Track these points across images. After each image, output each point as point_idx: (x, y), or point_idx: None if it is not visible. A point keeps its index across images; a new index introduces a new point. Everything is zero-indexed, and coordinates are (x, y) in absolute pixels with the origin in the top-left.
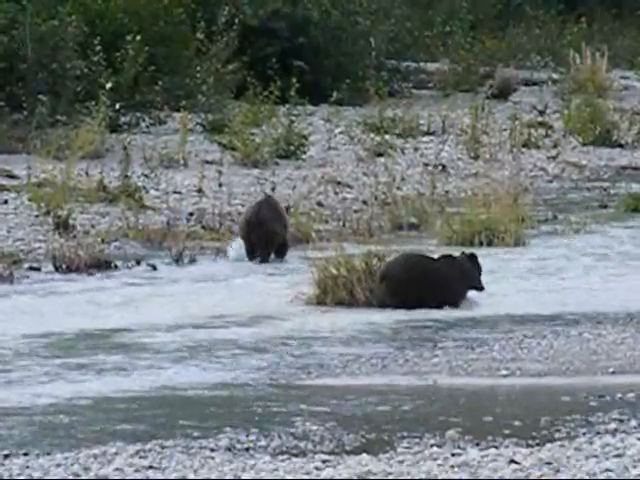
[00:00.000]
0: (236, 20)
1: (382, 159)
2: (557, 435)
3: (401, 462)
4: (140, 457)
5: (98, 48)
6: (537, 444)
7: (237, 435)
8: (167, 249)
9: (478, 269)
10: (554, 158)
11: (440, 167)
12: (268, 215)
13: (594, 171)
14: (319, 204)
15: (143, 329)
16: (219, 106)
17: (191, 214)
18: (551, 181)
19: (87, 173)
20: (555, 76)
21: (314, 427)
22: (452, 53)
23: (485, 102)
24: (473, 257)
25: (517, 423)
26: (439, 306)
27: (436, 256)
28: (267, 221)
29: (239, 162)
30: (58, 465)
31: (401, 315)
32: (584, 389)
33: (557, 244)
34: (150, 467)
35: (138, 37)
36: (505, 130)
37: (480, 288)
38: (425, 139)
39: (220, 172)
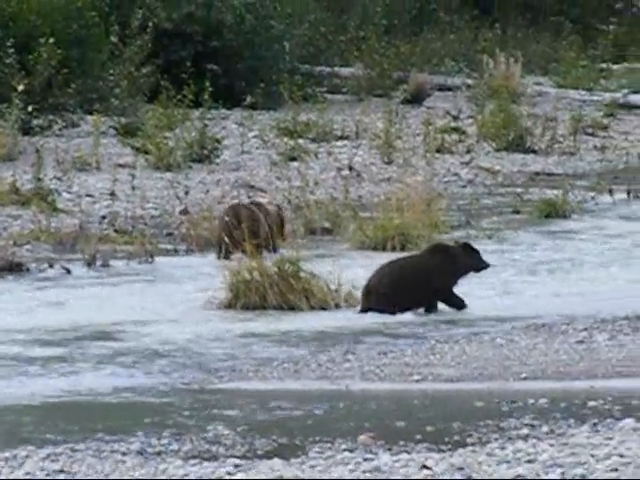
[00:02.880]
0: (150, 23)
1: (296, 163)
2: (469, 440)
3: (313, 467)
4: (51, 461)
5: (11, 50)
6: (449, 449)
7: (149, 439)
8: (80, 252)
9: (476, 253)
10: (467, 163)
11: (354, 172)
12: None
13: (507, 177)
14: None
15: (55, 332)
16: (132, 109)
17: (104, 217)
18: (464, 186)
19: None
20: (469, 81)
21: (226, 431)
22: (366, 58)
23: (399, 107)
24: (466, 245)
25: (429, 428)
26: (431, 302)
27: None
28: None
29: (152, 166)
30: None
31: (313, 320)
32: (496, 394)
33: None
34: (61, 471)
35: (51, 39)
36: (419, 135)
37: (485, 266)
38: (339, 144)
39: (133, 175)
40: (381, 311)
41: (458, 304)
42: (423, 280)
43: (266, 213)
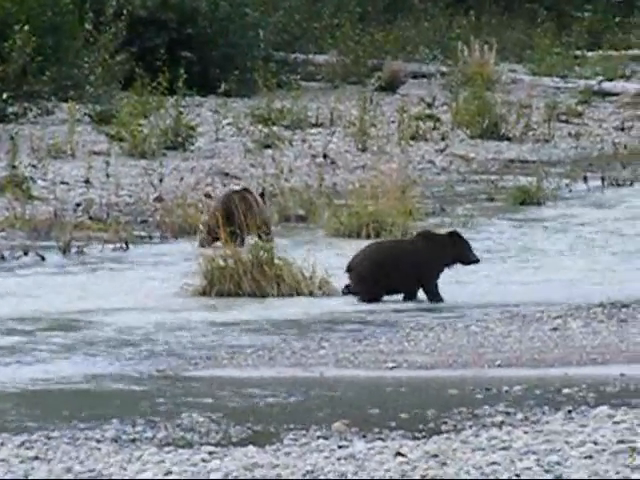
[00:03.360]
0: (124, 11)
1: (270, 151)
2: (444, 428)
3: (287, 454)
4: (26, 448)
5: None
6: (423, 437)
7: (123, 426)
8: (54, 239)
9: (465, 244)
10: (442, 151)
11: (328, 159)
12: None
13: (482, 164)
14: (207, 195)
15: (29, 319)
16: (107, 97)
17: (78, 205)
18: (439, 174)
19: None
20: (443, 69)
21: (200, 419)
22: (340, 45)
23: (373, 94)
24: (454, 234)
25: (404, 415)
26: (411, 289)
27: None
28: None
29: (127, 153)
30: None
31: (288, 307)
32: (471, 382)
33: None
34: (36, 458)
35: (26, 27)
36: (393, 122)
37: (474, 260)
38: (313, 131)
39: (108, 163)
40: (356, 293)
41: (436, 295)
42: (407, 265)
43: (256, 201)
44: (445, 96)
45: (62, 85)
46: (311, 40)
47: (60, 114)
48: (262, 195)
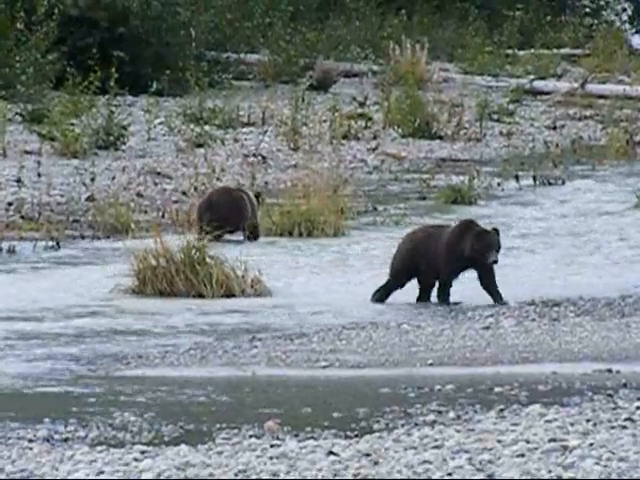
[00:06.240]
0: (56, 10)
1: (202, 150)
2: (376, 426)
3: (220, 453)
4: None
5: None
6: (356, 435)
7: (55, 426)
8: None
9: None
10: (374, 150)
11: (260, 158)
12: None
13: (414, 163)
14: (138, 195)
15: None
16: (38, 96)
17: (10, 204)
18: (371, 173)
19: None
20: (375, 68)
21: (132, 418)
22: (272, 44)
23: (305, 93)
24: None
25: (336, 414)
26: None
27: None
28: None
29: (58, 152)
30: None
31: (220, 306)
32: (403, 381)
33: (376, 236)
34: None
35: None
36: (325, 122)
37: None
38: (245, 130)
39: (39, 162)
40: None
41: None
42: (432, 254)
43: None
44: (377, 95)
45: None
46: (243, 39)
47: None
48: (257, 196)
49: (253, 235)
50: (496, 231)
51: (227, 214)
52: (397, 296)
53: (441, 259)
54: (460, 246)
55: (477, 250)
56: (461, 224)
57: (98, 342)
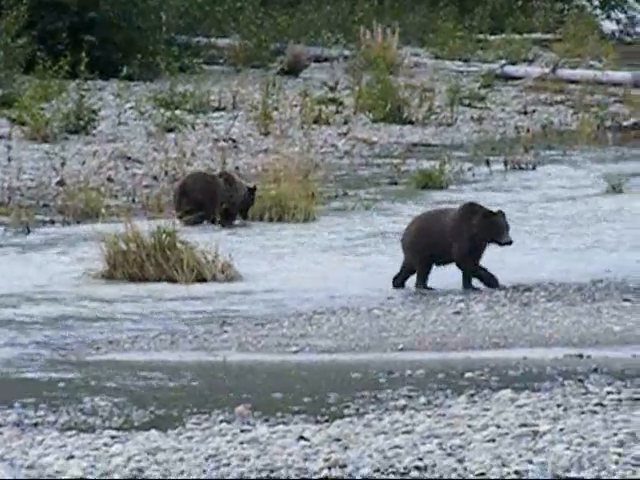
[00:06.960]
0: None
1: (172, 135)
2: (346, 411)
3: (190, 438)
4: None
5: None
6: (326, 420)
7: (25, 410)
8: None
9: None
10: (345, 134)
11: (231, 143)
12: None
13: (384, 148)
14: (109, 179)
15: None
16: (8, 81)
17: None
18: (342, 157)
19: None
20: (346, 53)
21: (102, 403)
22: (243, 29)
23: (276, 78)
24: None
25: (306, 399)
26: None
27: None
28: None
29: (28, 137)
30: None
31: (190, 291)
32: (373, 366)
33: (346, 221)
34: None
35: None
36: (296, 106)
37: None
38: (216, 115)
39: (9, 147)
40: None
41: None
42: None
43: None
44: (348, 80)
45: None
46: (213, 24)
47: None
48: (253, 190)
49: (227, 220)
50: (502, 213)
51: (201, 199)
52: (369, 280)
53: (457, 246)
54: (470, 228)
55: (489, 231)
56: (465, 207)
57: (68, 327)
